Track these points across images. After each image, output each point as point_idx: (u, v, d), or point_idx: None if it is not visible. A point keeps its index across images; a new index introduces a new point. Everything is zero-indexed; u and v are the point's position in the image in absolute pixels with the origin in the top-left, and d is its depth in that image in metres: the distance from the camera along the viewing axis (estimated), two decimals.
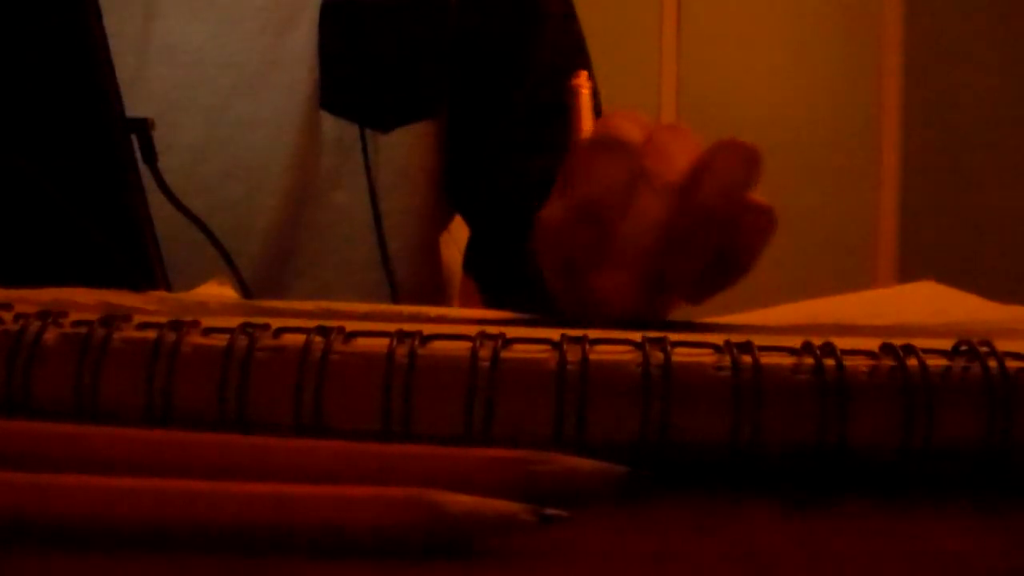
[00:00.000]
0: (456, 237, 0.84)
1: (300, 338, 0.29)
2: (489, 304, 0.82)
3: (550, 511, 0.22)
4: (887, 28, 3.16)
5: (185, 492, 0.22)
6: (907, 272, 3.04)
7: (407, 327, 0.29)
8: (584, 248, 0.41)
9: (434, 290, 0.83)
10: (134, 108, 0.68)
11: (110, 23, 0.69)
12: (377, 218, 0.74)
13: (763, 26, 3.22)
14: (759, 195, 0.41)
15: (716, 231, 0.39)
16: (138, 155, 0.62)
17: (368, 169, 0.74)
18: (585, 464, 0.25)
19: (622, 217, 0.40)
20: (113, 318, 0.30)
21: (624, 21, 3.12)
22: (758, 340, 0.29)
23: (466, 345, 0.29)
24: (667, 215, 0.39)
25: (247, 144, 0.73)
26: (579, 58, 0.81)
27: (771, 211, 0.42)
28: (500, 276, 0.79)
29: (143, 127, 0.63)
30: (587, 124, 0.52)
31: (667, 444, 0.28)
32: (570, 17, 0.82)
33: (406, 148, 0.76)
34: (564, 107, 0.79)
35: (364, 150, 0.74)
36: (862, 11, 3.18)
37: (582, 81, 0.52)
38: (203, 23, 0.74)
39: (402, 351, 0.28)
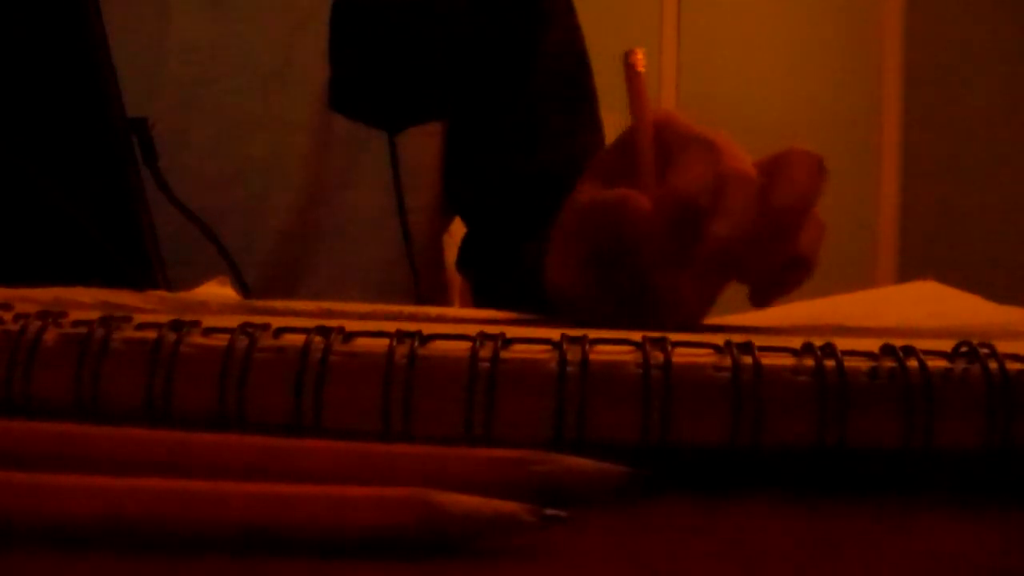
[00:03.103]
0: (457, 239, 0.84)
1: (300, 338, 0.29)
2: (479, 303, 0.83)
3: (550, 511, 0.22)
4: (887, 28, 3.16)
5: (185, 492, 0.22)
6: (907, 272, 3.04)
7: (407, 327, 0.29)
8: (676, 247, 0.40)
9: (439, 290, 0.83)
10: (149, 107, 0.68)
11: (125, 22, 0.69)
12: (403, 217, 0.75)
13: (763, 26, 3.22)
14: None
15: (790, 234, 0.40)
16: (139, 155, 0.62)
17: (396, 169, 0.74)
18: (585, 464, 0.25)
19: (710, 218, 0.39)
20: (113, 318, 0.30)
21: (624, 21, 3.12)
22: (758, 340, 0.29)
23: (466, 345, 0.29)
24: (752, 217, 0.39)
25: (259, 143, 0.74)
26: (581, 65, 0.82)
27: (821, 219, 0.42)
28: (493, 274, 0.79)
29: (143, 127, 0.63)
30: (646, 104, 0.49)
31: (667, 444, 0.28)
32: (572, 20, 0.82)
33: (418, 148, 0.76)
34: (564, 106, 0.80)
35: (392, 151, 0.74)
36: (862, 11, 3.18)
37: (640, 59, 0.49)
38: (217, 22, 0.74)
39: (402, 351, 0.28)
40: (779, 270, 0.41)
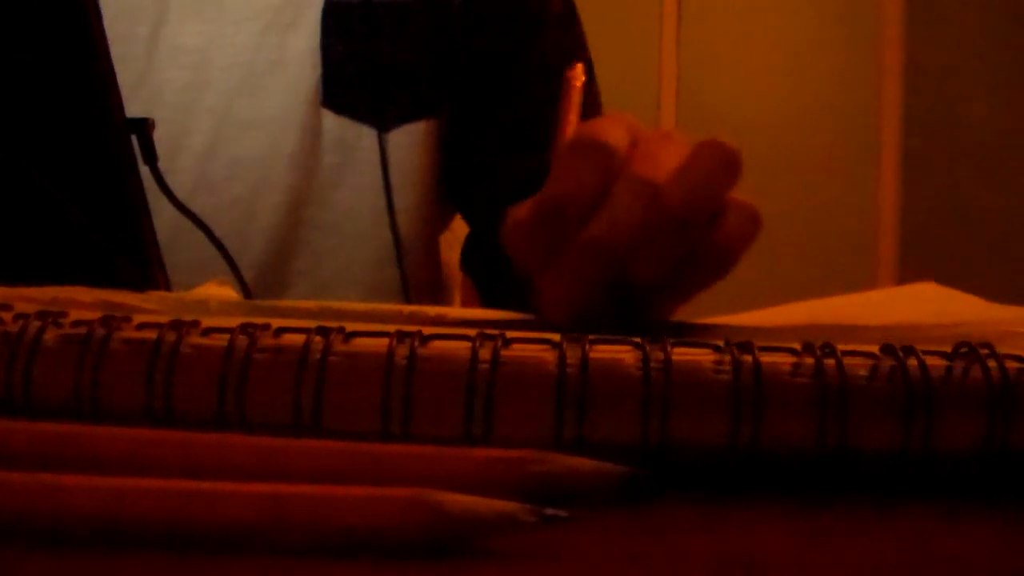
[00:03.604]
0: (459, 237, 0.84)
1: (300, 338, 0.29)
2: (486, 302, 0.83)
3: (550, 511, 0.22)
4: (887, 28, 3.16)
5: (185, 492, 0.22)
6: (907, 272, 3.04)
7: (407, 327, 0.29)
8: (542, 248, 0.40)
9: (436, 289, 0.83)
10: (143, 110, 0.68)
11: (120, 27, 0.70)
12: (392, 215, 0.75)
13: (763, 26, 3.21)
14: (745, 195, 0.41)
15: (685, 233, 0.39)
16: (138, 155, 0.62)
17: (385, 168, 0.74)
18: (585, 464, 0.25)
19: (590, 219, 0.39)
20: (113, 318, 0.30)
21: (624, 21, 3.12)
22: (758, 340, 0.29)
23: (466, 345, 0.29)
24: (638, 217, 0.39)
25: (251, 144, 0.74)
26: (580, 58, 0.82)
27: (754, 211, 0.41)
28: (496, 274, 0.79)
29: (143, 127, 0.63)
30: (573, 118, 0.51)
31: (667, 444, 0.28)
32: (571, 17, 0.82)
33: (411, 147, 0.76)
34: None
35: (382, 149, 0.74)
36: (862, 11, 3.18)
37: (576, 74, 0.51)
38: (208, 24, 0.74)
39: (402, 351, 0.28)
40: (685, 265, 0.40)
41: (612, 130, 0.42)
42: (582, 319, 0.40)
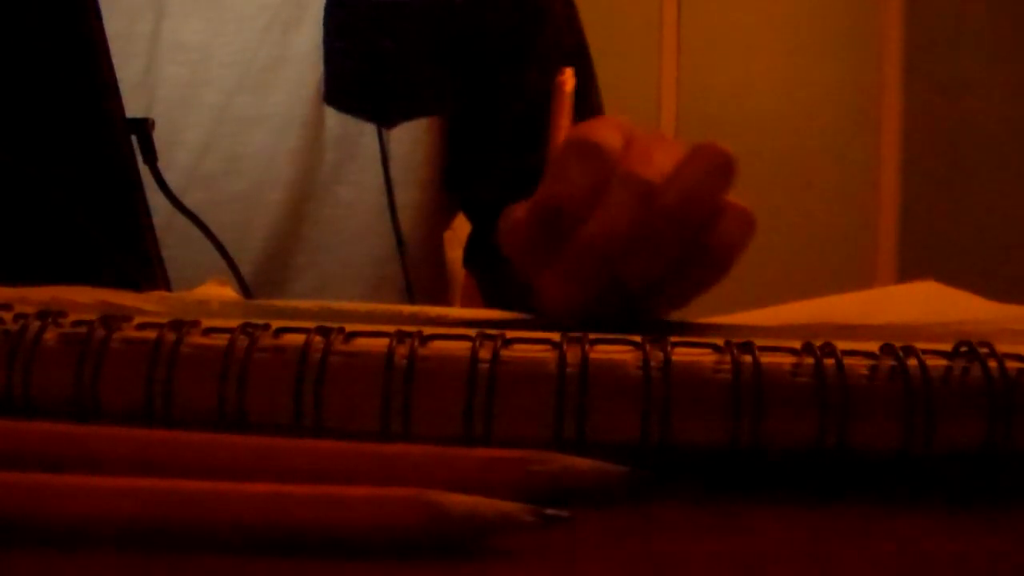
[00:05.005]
0: (460, 236, 0.84)
1: (300, 338, 0.29)
2: (488, 299, 0.83)
3: (550, 511, 0.22)
4: (887, 28, 3.16)
5: (185, 492, 0.22)
6: (907, 272, 3.04)
7: (407, 327, 0.29)
8: (539, 248, 0.41)
9: (437, 287, 0.83)
10: (143, 107, 0.68)
11: (121, 24, 0.70)
12: (393, 212, 0.75)
13: (763, 27, 3.22)
14: (745, 195, 0.41)
15: (679, 235, 0.39)
16: (138, 155, 0.62)
17: (386, 165, 0.74)
18: (585, 464, 0.25)
19: (585, 219, 0.40)
20: (113, 318, 0.30)
21: (624, 21, 3.12)
22: (758, 340, 0.29)
23: (466, 345, 0.29)
24: (633, 218, 0.39)
25: (251, 140, 0.74)
26: (580, 56, 0.82)
27: (749, 214, 0.42)
28: (499, 272, 0.79)
29: (143, 127, 0.63)
30: (565, 122, 0.51)
31: (667, 444, 0.28)
32: (572, 16, 0.82)
33: (412, 144, 0.76)
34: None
35: (381, 146, 0.74)
36: (862, 11, 3.18)
37: (565, 78, 0.52)
38: (209, 21, 0.74)
39: (402, 351, 0.28)
40: (681, 268, 0.40)
41: (605, 131, 0.42)
42: (582, 318, 0.40)
